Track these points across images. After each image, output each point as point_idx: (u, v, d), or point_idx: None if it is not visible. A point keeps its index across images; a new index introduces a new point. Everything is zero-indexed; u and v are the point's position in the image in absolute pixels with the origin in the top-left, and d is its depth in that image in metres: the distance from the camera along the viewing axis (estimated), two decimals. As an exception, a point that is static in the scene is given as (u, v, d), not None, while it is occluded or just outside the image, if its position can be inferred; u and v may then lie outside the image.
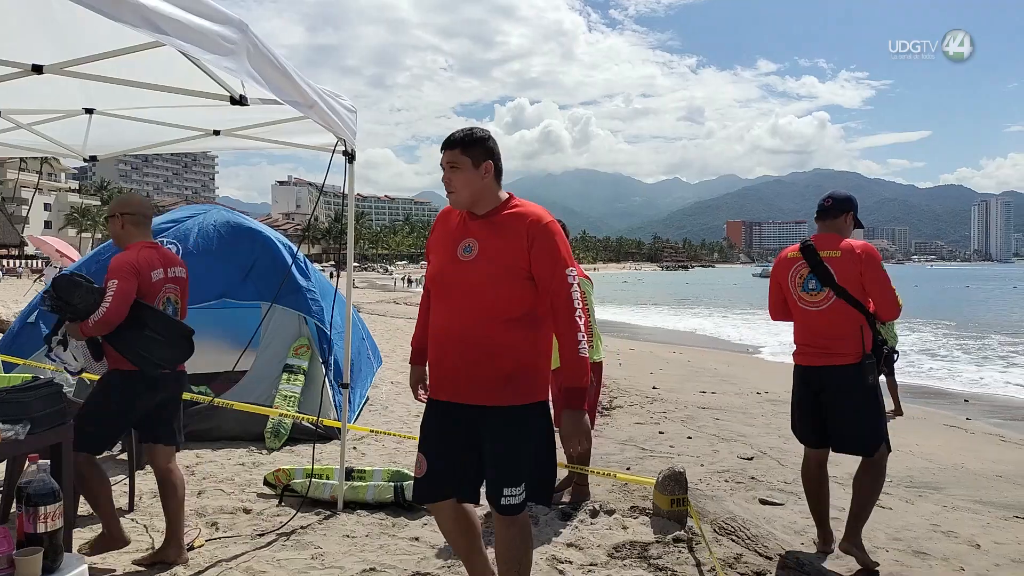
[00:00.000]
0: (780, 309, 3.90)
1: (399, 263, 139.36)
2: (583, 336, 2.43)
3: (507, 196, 2.59)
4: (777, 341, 17.89)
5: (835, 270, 3.54)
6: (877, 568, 3.55)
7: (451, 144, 2.53)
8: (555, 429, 2.56)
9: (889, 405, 7.62)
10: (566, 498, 4.56)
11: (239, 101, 3.33)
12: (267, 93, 2.98)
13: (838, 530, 3.74)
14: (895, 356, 3.75)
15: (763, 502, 4.74)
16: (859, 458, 3.65)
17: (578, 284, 2.45)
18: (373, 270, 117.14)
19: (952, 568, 3.71)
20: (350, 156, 4.20)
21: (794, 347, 3.80)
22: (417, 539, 3.83)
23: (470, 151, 2.50)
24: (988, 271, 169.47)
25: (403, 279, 66.01)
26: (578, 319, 2.42)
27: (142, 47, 3.10)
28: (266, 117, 4.40)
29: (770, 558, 3.67)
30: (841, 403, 3.56)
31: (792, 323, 3.82)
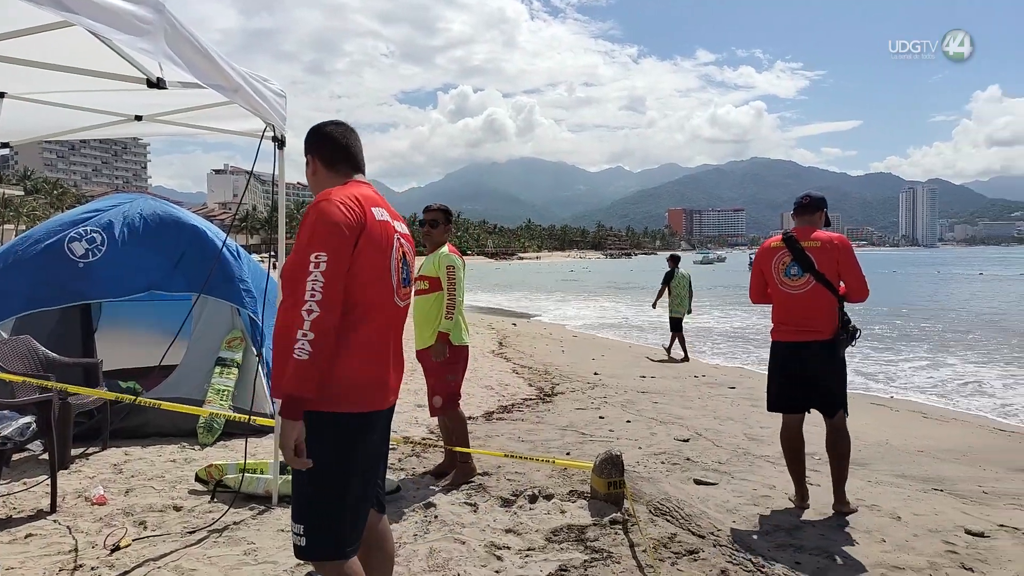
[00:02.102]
0: (760, 293, 4.38)
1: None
2: (305, 335, 1.98)
3: (347, 182, 2.33)
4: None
5: (815, 258, 4.06)
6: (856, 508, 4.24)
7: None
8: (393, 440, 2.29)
9: None
10: (446, 481, 4.57)
11: (157, 84, 3.20)
12: (188, 76, 2.87)
13: (755, 505, 3.86)
14: (858, 334, 4.23)
15: (698, 482, 4.85)
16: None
17: (320, 273, 2.01)
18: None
19: (874, 540, 3.87)
20: (280, 142, 4.10)
21: (773, 326, 4.29)
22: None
23: (306, 150, 2.41)
24: (915, 256, 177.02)
25: None
26: (305, 313, 1.98)
27: (52, 27, 2.95)
28: (191, 102, 4.25)
29: (703, 536, 3.76)
30: (817, 372, 4.10)
31: (771, 305, 4.30)
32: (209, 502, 4.18)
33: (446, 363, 4.50)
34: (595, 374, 9.94)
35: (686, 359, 12.20)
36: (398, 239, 2.33)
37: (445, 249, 4.58)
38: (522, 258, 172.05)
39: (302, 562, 2.67)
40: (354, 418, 2.16)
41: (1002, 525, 4.11)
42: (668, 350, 12.72)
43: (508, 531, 3.83)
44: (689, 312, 12.73)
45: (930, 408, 8.84)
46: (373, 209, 2.23)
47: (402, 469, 4.95)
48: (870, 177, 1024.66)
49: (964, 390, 10.02)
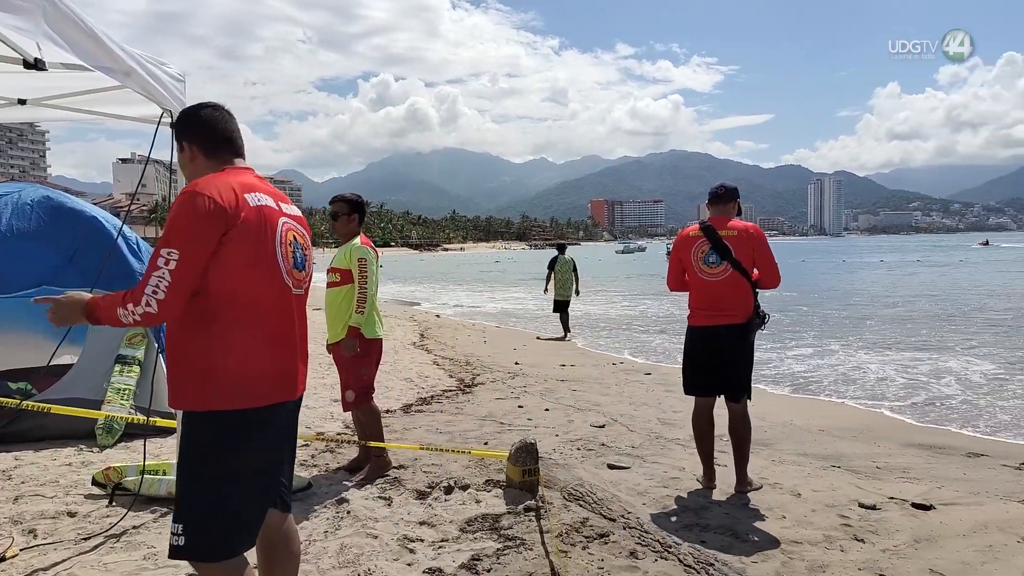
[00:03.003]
0: (678, 280, 4.55)
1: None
2: (131, 315, 1.97)
3: (223, 169, 2.23)
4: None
5: (732, 246, 4.24)
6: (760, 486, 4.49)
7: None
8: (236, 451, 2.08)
9: None
10: (360, 476, 4.53)
11: (35, 65, 2.99)
12: (73, 58, 2.70)
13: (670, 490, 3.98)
14: (767, 318, 4.43)
15: (611, 467, 4.95)
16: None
17: (169, 272, 1.94)
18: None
19: (776, 516, 4.04)
20: (178, 129, 3.91)
21: (689, 311, 4.46)
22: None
23: (181, 136, 2.27)
24: (822, 245, 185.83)
25: None
26: (144, 305, 1.94)
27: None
28: (82, 85, 4.00)
29: (613, 520, 3.84)
30: (730, 356, 4.28)
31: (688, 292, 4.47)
32: (107, 506, 3.99)
33: (358, 357, 4.43)
34: (516, 364, 10.01)
35: (563, 338, 13.46)
36: (284, 223, 2.23)
37: (357, 241, 4.49)
38: (447, 249, 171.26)
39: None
40: (239, 415, 2.08)
41: (892, 498, 4.37)
42: (566, 334, 13.74)
43: (422, 523, 3.81)
44: (577, 294, 13.91)
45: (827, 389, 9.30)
46: (249, 195, 2.12)
47: (315, 465, 4.85)
48: (781, 169, 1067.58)
49: (848, 376, 10.59)
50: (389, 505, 4.09)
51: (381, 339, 4.62)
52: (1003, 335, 13.96)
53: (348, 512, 3.97)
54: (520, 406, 7.04)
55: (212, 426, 2.07)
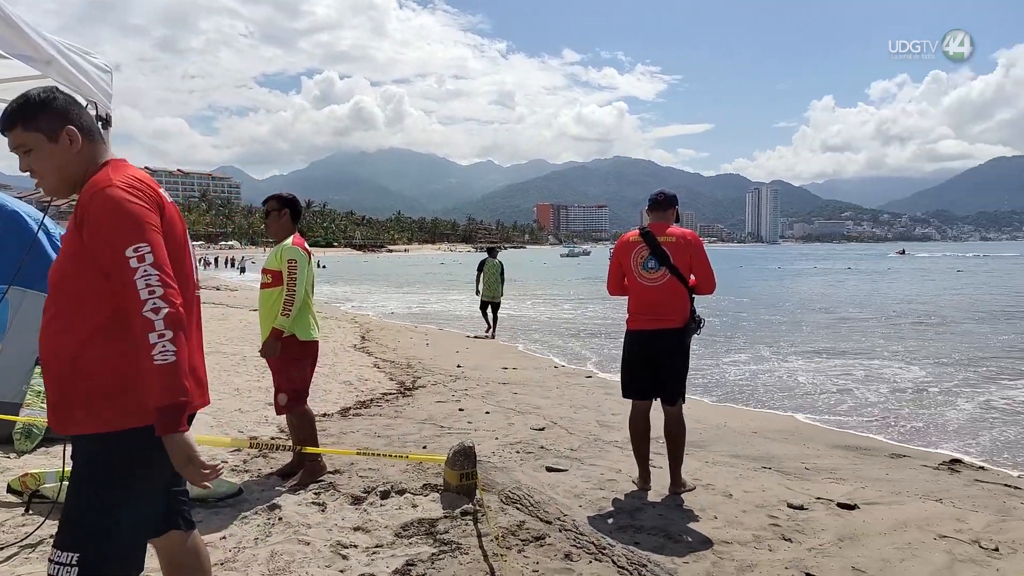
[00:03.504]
0: (618, 285, 4.59)
1: (194, 244, 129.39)
2: (161, 337, 1.74)
3: (106, 162, 1.99)
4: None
5: (670, 252, 4.32)
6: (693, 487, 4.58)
7: (6, 123, 1.92)
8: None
9: None
10: (293, 481, 4.43)
11: (-53, 51, 2.84)
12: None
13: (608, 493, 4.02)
14: (703, 323, 4.50)
15: (549, 469, 4.97)
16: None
17: (151, 265, 1.77)
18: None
19: (708, 517, 4.12)
20: (104, 121, 3.77)
21: (628, 316, 4.52)
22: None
23: (36, 124, 1.91)
24: (759, 252, 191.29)
25: (235, 266, 61.02)
26: (152, 313, 1.74)
27: None
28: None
29: (550, 522, 3.86)
30: (668, 360, 4.36)
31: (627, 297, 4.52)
32: (23, 515, 3.80)
33: (292, 359, 4.33)
34: (458, 366, 9.97)
35: (486, 334, 14.35)
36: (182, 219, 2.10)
37: (289, 241, 4.39)
38: (391, 251, 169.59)
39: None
40: (147, 431, 1.83)
41: (819, 498, 4.52)
42: (491, 331, 14.54)
43: (356, 529, 3.75)
44: (502, 295, 14.72)
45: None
46: (160, 189, 2.00)
47: (247, 471, 4.72)
48: (720, 178, 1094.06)
49: (781, 380, 10.94)
50: (323, 511, 4.01)
51: (317, 341, 4.53)
52: (929, 340, 14.61)
53: (280, 518, 3.88)
54: (461, 409, 7.01)
55: (127, 446, 1.88)
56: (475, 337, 14.27)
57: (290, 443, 4.75)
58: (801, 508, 4.30)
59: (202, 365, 2.10)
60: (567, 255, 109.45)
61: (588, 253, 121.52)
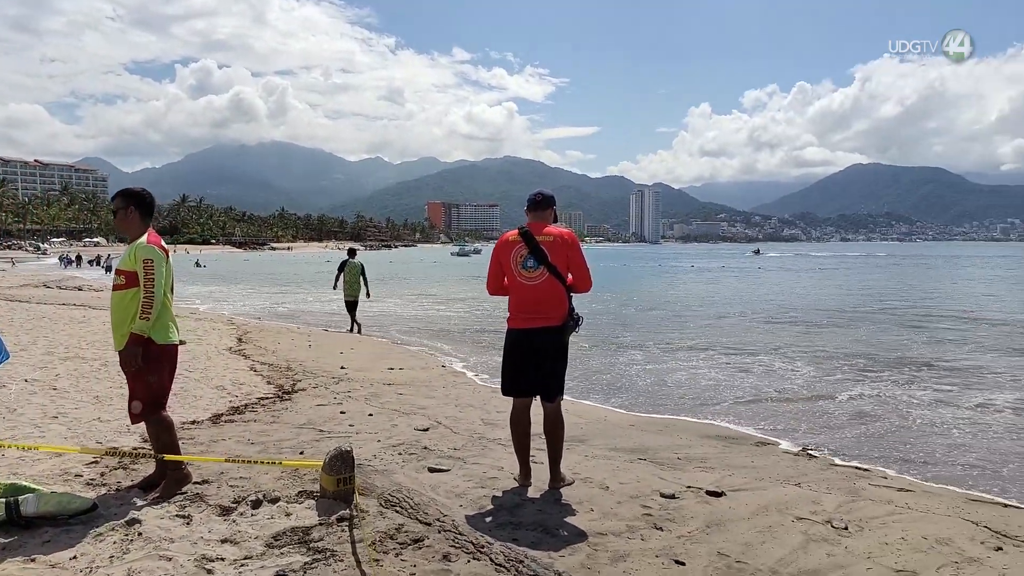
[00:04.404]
0: (497, 285, 4.61)
1: (55, 240, 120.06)
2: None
3: None
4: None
5: (548, 251, 4.36)
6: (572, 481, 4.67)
7: None
8: None
9: None
10: (155, 493, 4.16)
11: None
12: None
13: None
14: (581, 321, 4.56)
15: (431, 470, 4.92)
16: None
17: None
18: (19, 248, 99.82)
19: (585, 510, 4.21)
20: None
21: (508, 314, 4.54)
22: (34, 560, 3.28)
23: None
24: (642, 251, 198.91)
25: (101, 264, 56.16)
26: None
27: None
28: None
29: (429, 524, 3.82)
30: (547, 357, 4.40)
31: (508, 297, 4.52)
32: None
33: (148, 364, 4.05)
34: (342, 368, 9.73)
35: (351, 331, 15.08)
36: None
37: (143, 239, 4.09)
38: (274, 248, 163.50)
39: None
40: None
41: (689, 487, 4.72)
42: (352, 327, 15.21)
43: (224, 541, 3.56)
44: (368, 296, 15.50)
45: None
46: None
47: (104, 484, 4.39)
48: (606, 179, 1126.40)
49: (657, 374, 11.42)
50: (188, 523, 3.78)
51: (175, 345, 4.26)
52: (802, 335, 15.64)
53: (139, 534, 3.62)
54: (343, 412, 6.83)
55: None
56: (339, 332, 14.93)
57: (152, 452, 4.45)
58: (673, 497, 4.48)
59: None
60: (458, 254, 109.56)
61: (479, 251, 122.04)
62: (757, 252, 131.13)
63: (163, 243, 4.20)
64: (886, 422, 7.55)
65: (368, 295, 15.49)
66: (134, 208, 4.15)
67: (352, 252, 15.82)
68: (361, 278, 15.08)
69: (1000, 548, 3.80)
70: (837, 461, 5.96)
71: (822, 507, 4.40)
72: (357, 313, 15.37)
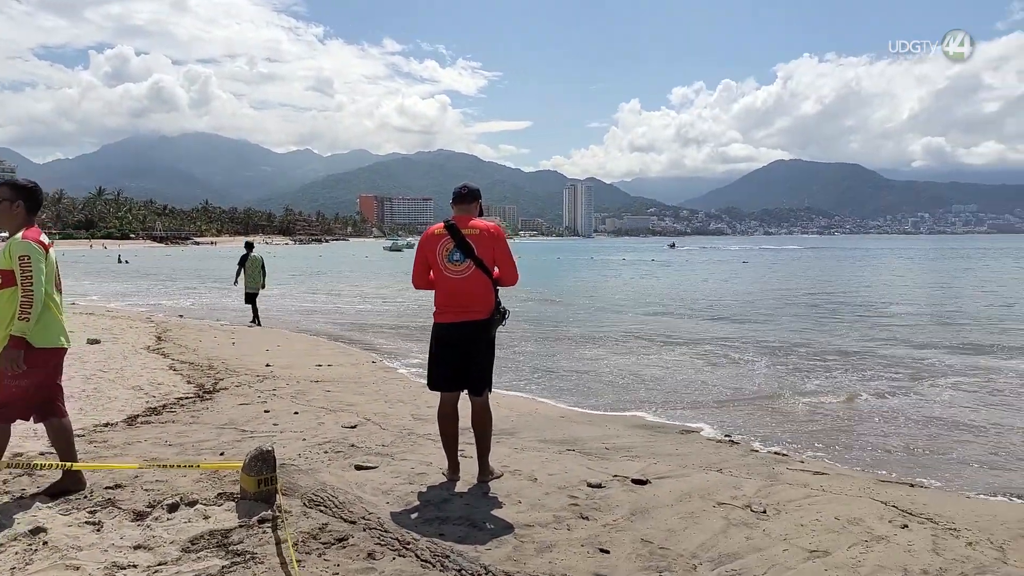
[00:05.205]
0: (423, 279, 4.57)
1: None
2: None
3: None
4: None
5: (474, 244, 4.34)
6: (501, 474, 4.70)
7: None
8: None
9: None
10: (55, 501, 3.97)
11: None
12: None
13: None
14: (507, 314, 4.55)
15: (358, 468, 4.84)
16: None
17: None
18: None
19: (512, 502, 4.22)
20: None
21: (435, 308, 4.47)
22: (-76, 577, 3.07)
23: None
24: (576, 244, 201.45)
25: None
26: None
27: None
28: None
29: (354, 522, 3.76)
30: (473, 351, 4.38)
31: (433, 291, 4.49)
32: None
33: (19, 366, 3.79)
34: (267, 366, 9.48)
35: (255, 324, 15.34)
36: None
37: (19, 235, 3.83)
38: (198, 243, 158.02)
39: None
40: None
41: (616, 475, 4.79)
42: (254, 320, 15.52)
43: (137, 547, 3.42)
44: (264, 287, 16.00)
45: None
46: None
47: (7, 492, 4.14)
48: (540, 174, 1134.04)
49: (591, 365, 11.59)
50: (98, 530, 3.61)
51: (62, 348, 4.02)
52: (735, 323, 16.10)
53: (44, 543, 3.43)
54: (267, 411, 6.65)
55: None
56: (245, 327, 15.04)
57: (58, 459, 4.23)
58: (599, 486, 4.54)
59: None
60: (391, 248, 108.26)
61: (412, 246, 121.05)
62: (672, 246, 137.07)
63: (43, 237, 3.93)
64: (803, 408, 7.85)
65: (263, 286, 15.97)
66: (22, 203, 3.91)
67: (250, 246, 16.14)
68: (261, 271, 15.71)
69: (906, 526, 4.00)
70: (757, 447, 6.16)
71: (742, 492, 4.54)
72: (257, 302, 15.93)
